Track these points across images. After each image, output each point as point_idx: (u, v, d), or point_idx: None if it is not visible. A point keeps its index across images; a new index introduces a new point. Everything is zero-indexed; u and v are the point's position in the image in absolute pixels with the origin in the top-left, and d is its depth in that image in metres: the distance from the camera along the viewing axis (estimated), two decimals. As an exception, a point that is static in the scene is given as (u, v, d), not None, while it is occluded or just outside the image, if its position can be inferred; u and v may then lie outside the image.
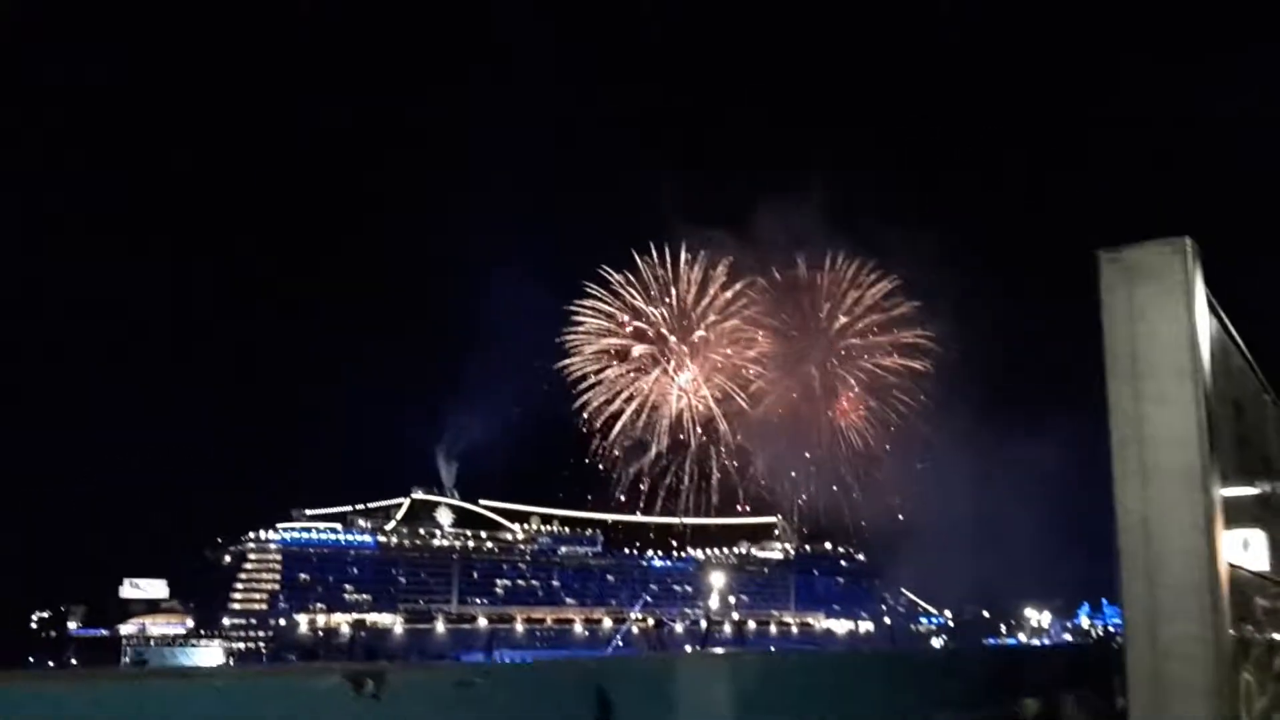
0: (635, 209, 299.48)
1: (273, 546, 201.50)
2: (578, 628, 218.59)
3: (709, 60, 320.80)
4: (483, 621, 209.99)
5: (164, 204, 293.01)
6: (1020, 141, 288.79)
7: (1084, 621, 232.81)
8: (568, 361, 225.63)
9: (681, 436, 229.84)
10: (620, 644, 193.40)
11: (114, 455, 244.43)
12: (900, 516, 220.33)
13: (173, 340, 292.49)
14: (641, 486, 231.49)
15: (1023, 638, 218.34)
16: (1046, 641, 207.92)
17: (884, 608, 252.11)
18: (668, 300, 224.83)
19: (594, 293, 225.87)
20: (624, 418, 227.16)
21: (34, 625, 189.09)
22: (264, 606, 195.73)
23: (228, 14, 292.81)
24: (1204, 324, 8.76)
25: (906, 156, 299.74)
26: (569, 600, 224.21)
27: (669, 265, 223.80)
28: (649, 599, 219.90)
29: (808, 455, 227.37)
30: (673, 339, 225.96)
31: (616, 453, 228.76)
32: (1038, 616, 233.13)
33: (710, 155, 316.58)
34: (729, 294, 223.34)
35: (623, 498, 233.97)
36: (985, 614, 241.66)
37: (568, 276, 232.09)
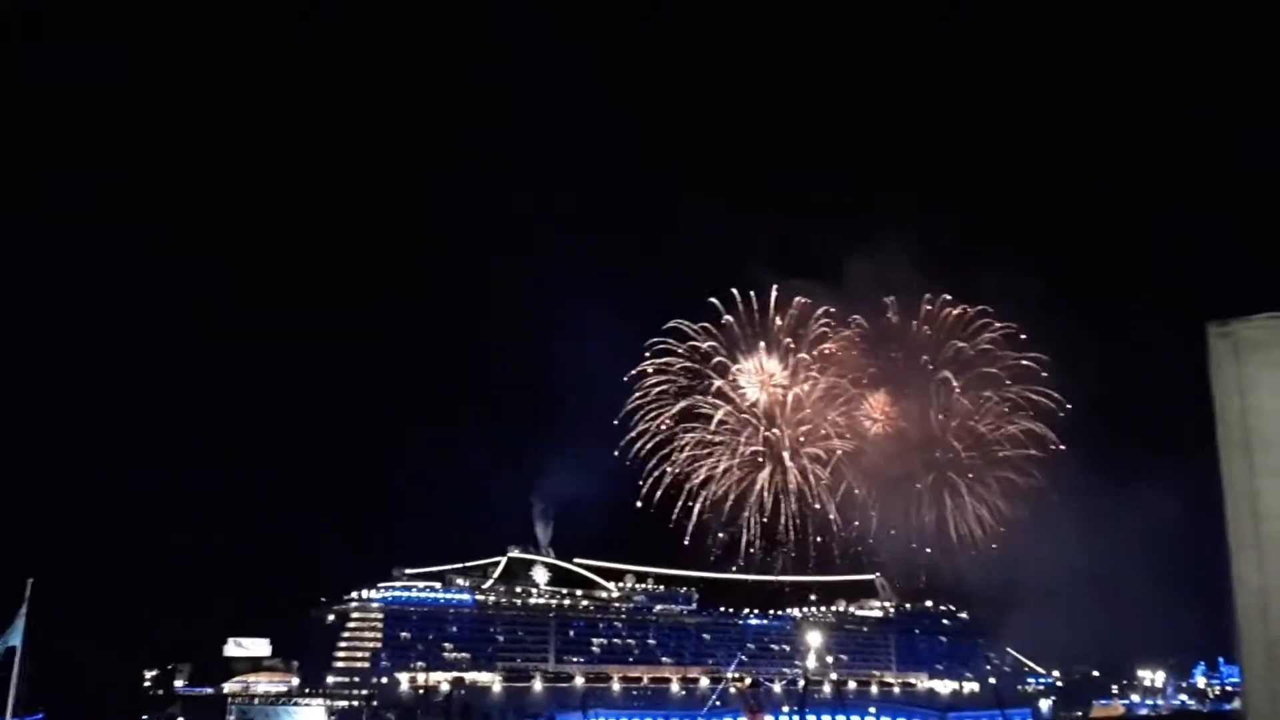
0: (719, 253, 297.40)
1: (375, 605, 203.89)
2: (674, 687, 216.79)
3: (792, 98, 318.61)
4: (579, 680, 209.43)
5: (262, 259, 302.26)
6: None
7: (1200, 681, 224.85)
8: (650, 424, 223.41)
9: (776, 502, 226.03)
10: (717, 704, 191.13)
11: (216, 517, 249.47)
12: (1003, 571, 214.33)
13: (274, 399, 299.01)
14: (738, 545, 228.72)
15: (1135, 698, 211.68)
16: (1160, 703, 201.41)
17: (989, 667, 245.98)
18: (754, 355, 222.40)
19: (674, 348, 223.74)
20: (713, 484, 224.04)
21: (147, 684, 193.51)
22: (367, 665, 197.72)
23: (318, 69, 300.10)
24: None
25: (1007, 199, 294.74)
26: (665, 659, 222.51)
27: (754, 317, 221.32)
28: (745, 658, 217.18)
29: (911, 514, 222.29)
30: (762, 396, 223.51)
31: (707, 517, 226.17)
32: (1151, 676, 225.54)
33: (796, 201, 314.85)
34: (822, 349, 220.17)
35: (715, 553, 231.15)
36: (1095, 674, 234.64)
37: (655, 328, 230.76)
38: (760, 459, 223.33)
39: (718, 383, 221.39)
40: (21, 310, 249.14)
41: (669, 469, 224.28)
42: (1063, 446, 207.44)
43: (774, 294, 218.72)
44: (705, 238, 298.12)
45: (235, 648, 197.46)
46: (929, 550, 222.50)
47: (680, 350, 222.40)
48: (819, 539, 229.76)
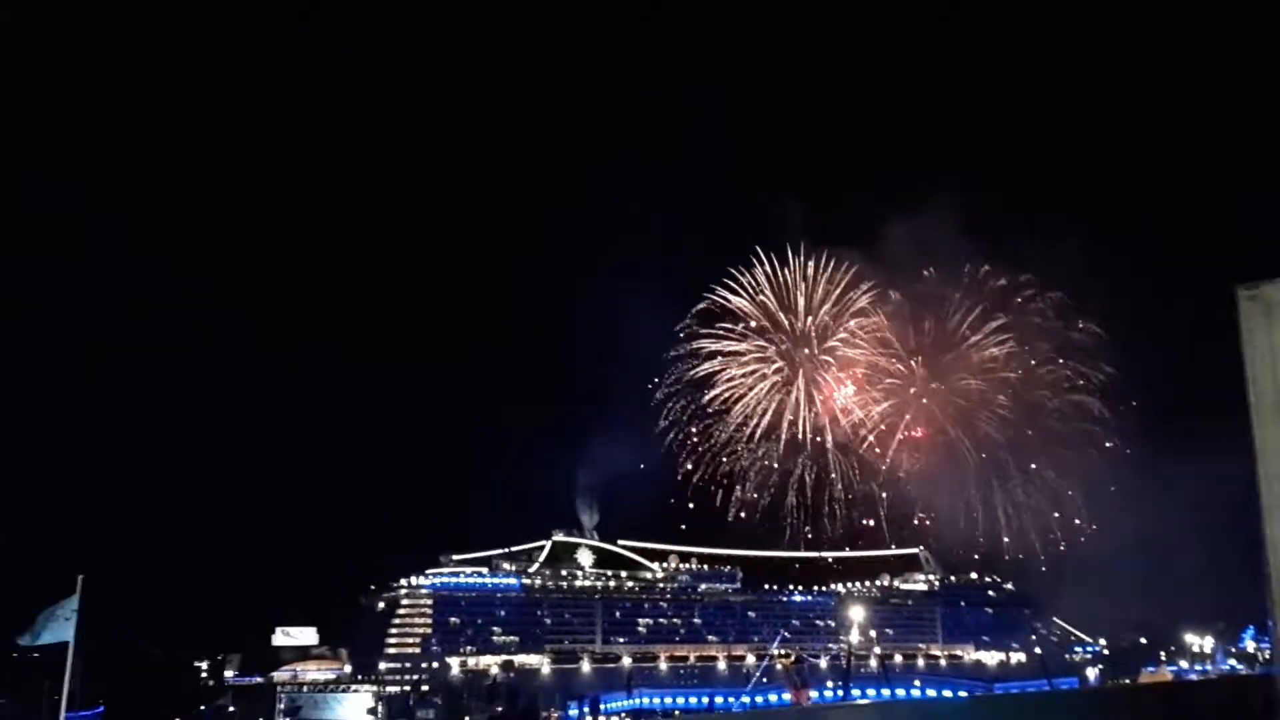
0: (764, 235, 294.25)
1: (424, 591, 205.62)
2: (720, 665, 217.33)
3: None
4: (626, 660, 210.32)
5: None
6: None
7: (1249, 645, 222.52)
8: (685, 410, 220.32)
9: (819, 479, 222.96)
10: (764, 681, 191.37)
11: (260, 509, 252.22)
12: (1056, 540, 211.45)
13: (318, 392, 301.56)
14: (781, 524, 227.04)
15: (1184, 665, 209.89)
16: (1209, 668, 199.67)
17: (1035, 637, 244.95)
18: (794, 327, 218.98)
19: (707, 329, 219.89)
20: (753, 469, 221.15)
21: (204, 674, 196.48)
22: (418, 650, 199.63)
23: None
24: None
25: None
26: (710, 637, 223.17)
27: (792, 291, 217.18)
28: (787, 634, 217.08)
29: (955, 485, 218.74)
30: (799, 375, 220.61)
31: (750, 497, 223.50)
32: (1199, 642, 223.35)
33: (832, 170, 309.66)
34: (863, 321, 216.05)
35: (755, 526, 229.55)
36: (1143, 641, 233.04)
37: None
38: (800, 437, 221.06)
39: (755, 367, 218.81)
40: (69, 313, 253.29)
41: (707, 452, 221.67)
42: (1110, 418, 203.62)
43: (811, 268, 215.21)
44: (745, 209, 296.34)
45: (283, 637, 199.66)
46: (969, 519, 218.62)
47: (714, 331, 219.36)
48: (863, 512, 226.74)
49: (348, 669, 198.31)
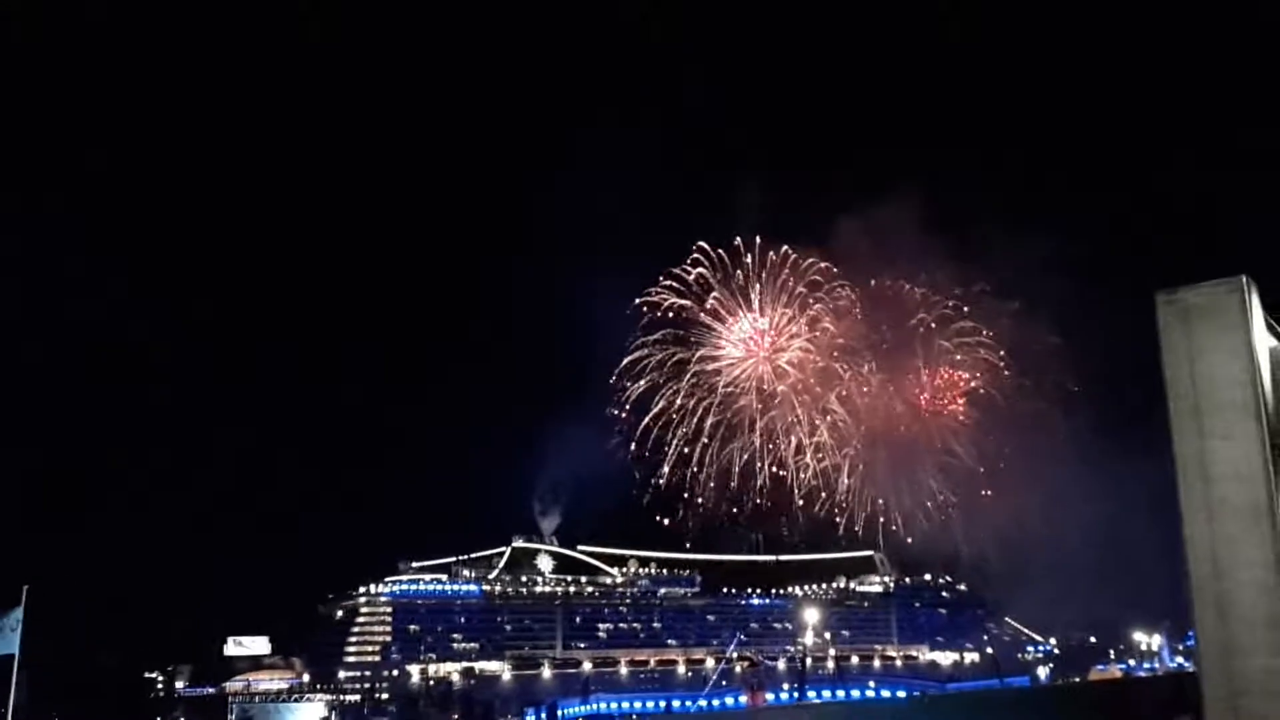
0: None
1: (383, 599, 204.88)
2: (680, 668, 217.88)
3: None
4: (587, 665, 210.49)
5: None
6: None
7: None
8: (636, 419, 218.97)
9: (775, 482, 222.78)
10: (722, 684, 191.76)
11: (211, 518, 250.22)
12: (1014, 536, 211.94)
13: (273, 397, 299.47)
14: (737, 527, 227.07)
15: (1132, 662, 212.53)
16: (1156, 665, 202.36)
17: (988, 637, 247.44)
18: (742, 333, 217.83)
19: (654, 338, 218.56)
20: (706, 472, 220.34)
21: (159, 686, 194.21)
22: (378, 658, 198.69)
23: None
24: (1265, 356, 8.97)
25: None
26: (670, 641, 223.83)
27: (743, 290, 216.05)
28: (744, 638, 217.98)
29: (907, 486, 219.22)
30: (749, 381, 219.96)
31: (707, 502, 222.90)
32: (1147, 640, 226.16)
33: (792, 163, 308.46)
34: (818, 325, 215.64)
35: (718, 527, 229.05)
36: (1093, 640, 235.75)
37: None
38: (753, 440, 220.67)
39: (706, 378, 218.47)
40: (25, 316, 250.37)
41: (662, 459, 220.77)
42: (1064, 420, 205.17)
43: (762, 270, 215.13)
44: (702, 206, 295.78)
45: (235, 647, 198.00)
46: (922, 520, 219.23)
47: (661, 339, 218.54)
48: (818, 514, 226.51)
49: (305, 678, 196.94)
